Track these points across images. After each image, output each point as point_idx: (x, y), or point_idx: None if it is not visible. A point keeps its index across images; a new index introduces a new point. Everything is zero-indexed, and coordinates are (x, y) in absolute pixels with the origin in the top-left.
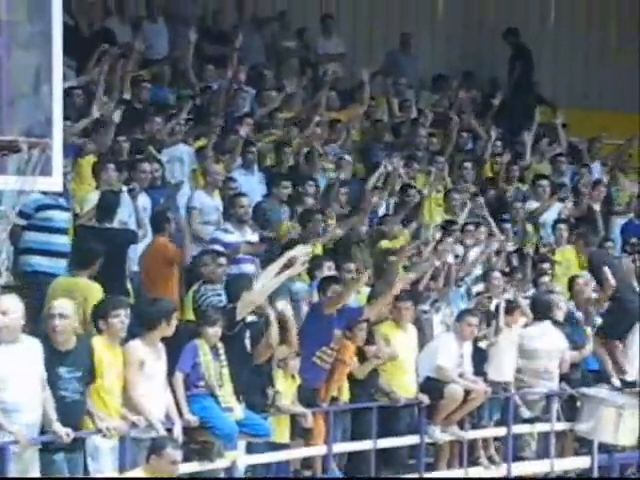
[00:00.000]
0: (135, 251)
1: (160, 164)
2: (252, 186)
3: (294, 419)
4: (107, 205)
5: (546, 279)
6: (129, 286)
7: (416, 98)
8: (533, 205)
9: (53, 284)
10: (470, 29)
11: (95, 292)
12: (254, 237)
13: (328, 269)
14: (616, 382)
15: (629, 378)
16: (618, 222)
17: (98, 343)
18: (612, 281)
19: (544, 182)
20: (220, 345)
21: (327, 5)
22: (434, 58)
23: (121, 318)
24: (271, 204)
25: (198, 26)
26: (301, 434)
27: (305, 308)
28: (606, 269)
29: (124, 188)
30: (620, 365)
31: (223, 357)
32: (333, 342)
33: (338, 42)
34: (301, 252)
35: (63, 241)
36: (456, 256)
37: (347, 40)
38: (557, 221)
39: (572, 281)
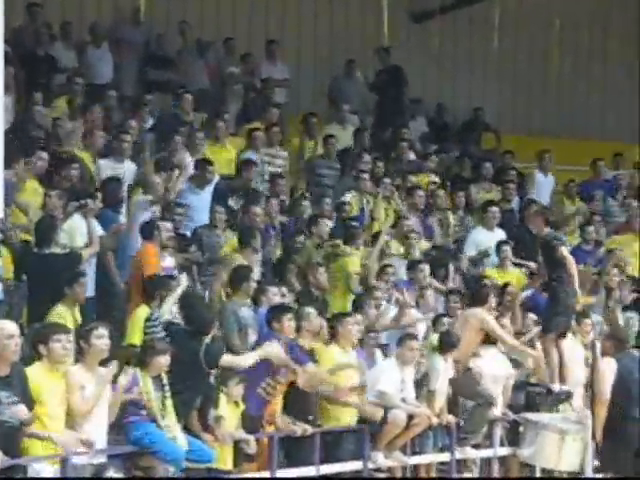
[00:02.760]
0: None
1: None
2: (203, 204)
3: (237, 445)
4: (44, 230)
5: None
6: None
7: (362, 123)
8: (481, 233)
9: None
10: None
11: None
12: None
13: (273, 295)
14: (556, 388)
15: (565, 388)
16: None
17: (38, 369)
18: (570, 258)
19: (494, 209)
20: (164, 375)
21: (272, 31)
22: None
23: (63, 343)
24: (209, 229)
25: (142, 51)
26: (244, 460)
27: (252, 336)
28: (564, 249)
29: (75, 204)
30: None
31: (167, 387)
32: (280, 375)
33: (283, 67)
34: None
35: None
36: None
37: (291, 65)
38: (500, 243)
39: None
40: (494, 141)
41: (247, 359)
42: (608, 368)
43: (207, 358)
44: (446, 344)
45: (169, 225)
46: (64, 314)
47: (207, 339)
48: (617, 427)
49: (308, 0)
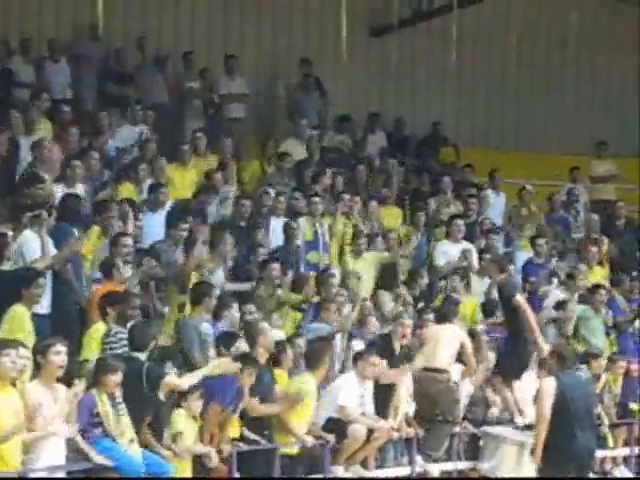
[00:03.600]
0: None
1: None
2: (157, 227)
3: (196, 459)
4: None
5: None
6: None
7: (320, 139)
8: (446, 245)
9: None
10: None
11: None
12: None
13: (236, 311)
14: (519, 421)
15: (527, 420)
16: (520, 258)
17: None
18: (526, 307)
19: (459, 222)
20: (118, 394)
21: (231, 46)
22: (338, 98)
23: (12, 358)
24: (166, 245)
25: (100, 66)
26: (203, 474)
27: (212, 350)
28: (519, 297)
29: (29, 214)
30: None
31: (122, 405)
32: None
33: (241, 82)
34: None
35: None
36: None
37: (250, 80)
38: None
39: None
40: (453, 155)
41: (192, 378)
42: (548, 387)
43: (148, 382)
44: (406, 359)
45: (130, 240)
46: (22, 313)
47: (143, 357)
48: (558, 445)
49: (267, 15)
